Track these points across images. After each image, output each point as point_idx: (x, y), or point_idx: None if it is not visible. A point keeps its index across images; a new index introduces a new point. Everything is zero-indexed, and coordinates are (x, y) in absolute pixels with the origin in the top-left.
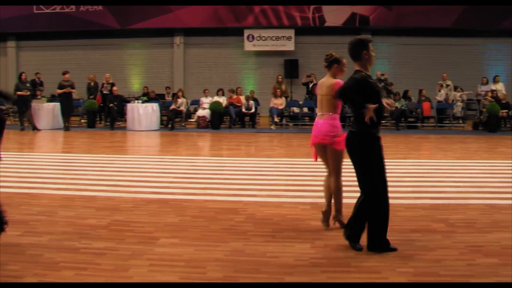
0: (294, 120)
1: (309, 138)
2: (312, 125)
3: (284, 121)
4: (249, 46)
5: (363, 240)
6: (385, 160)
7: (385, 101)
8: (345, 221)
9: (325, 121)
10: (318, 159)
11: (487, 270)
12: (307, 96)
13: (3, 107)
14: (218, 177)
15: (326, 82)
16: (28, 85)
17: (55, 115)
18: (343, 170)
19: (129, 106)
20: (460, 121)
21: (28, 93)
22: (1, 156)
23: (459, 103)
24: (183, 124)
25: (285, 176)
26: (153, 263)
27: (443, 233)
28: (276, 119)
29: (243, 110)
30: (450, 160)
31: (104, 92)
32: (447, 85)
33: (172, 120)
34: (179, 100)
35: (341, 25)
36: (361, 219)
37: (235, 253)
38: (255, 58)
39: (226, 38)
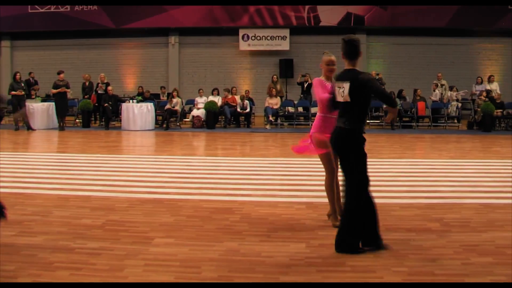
0: (289, 119)
1: (305, 137)
2: (307, 124)
3: (279, 121)
4: (244, 45)
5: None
6: (380, 160)
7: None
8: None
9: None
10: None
11: (482, 269)
12: (302, 95)
13: None
14: (213, 177)
15: None
16: (22, 84)
17: (49, 115)
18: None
19: (124, 105)
20: (455, 121)
21: (23, 93)
22: None
23: (454, 103)
24: (178, 123)
25: (280, 176)
26: (148, 263)
27: (438, 232)
28: (271, 119)
29: (238, 109)
30: (445, 160)
31: (99, 91)
32: (442, 85)
33: (167, 119)
34: (174, 100)
35: (336, 25)
36: (359, 221)
37: (230, 253)
38: (250, 57)
39: (221, 37)
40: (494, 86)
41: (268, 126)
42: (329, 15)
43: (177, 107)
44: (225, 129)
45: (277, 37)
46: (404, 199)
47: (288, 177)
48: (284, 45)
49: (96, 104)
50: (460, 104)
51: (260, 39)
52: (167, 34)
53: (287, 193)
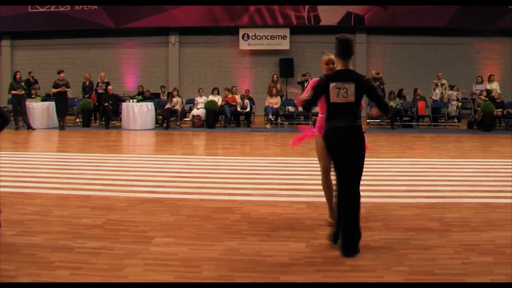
0: (289, 119)
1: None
2: (307, 124)
3: (279, 120)
4: (244, 45)
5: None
6: (380, 159)
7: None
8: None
9: None
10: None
11: (482, 269)
12: None
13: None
14: (213, 176)
15: None
16: (22, 84)
17: (50, 114)
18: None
19: (124, 105)
20: (455, 120)
21: (23, 92)
22: None
23: (454, 102)
24: (178, 123)
25: (280, 175)
26: (148, 263)
27: (438, 232)
28: (271, 118)
29: (238, 109)
30: (445, 159)
31: (99, 91)
32: (442, 84)
33: (167, 119)
34: (174, 99)
35: (336, 24)
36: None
37: (230, 252)
38: (250, 57)
39: (221, 37)
40: (494, 86)
41: (268, 126)
42: (329, 15)
43: (177, 107)
44: (225, 129)
45: (277, 37)
46: (404, 199)
47: (288, 176)
48: (284, 45)
49: (96, 104)
50: (460, 104)
51: (260, 39)
52: (167, 34)
53: (287, 193)
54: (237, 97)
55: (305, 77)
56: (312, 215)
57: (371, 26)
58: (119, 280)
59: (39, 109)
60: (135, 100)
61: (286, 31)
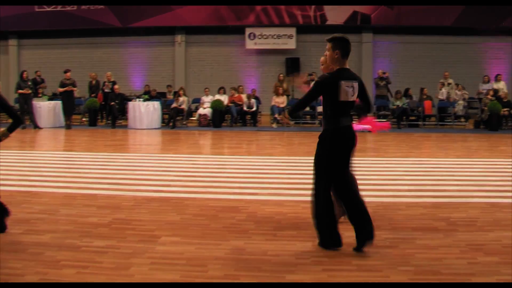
0: (295, 118)
1: (310, 136)
2: (313, 123)
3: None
4: (250, 44)
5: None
6: (386, 159)
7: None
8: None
9: None
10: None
11: (488, 269)
12: None
13: None
14: (219, 176)
15: None
16: (29, 83)
17: (56, 114)
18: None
19: (131, 104)
20: (462, 120)
21: (30, 91)
22: None
23: (460, 102)
24: (184, 122)
25: (286, 175)
26: (154, 262)
27: (444, 231)
28: (277, 117)
29: (245, 108)
30: (451, 159)
31: (106, 90)
32: (449, 84)
33: (174, 118)
34: (181, 99)
35: (343, 24)
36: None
37: (236, 252)
38: (257, 56)
39: (227, 36)
40: (501, 85)
41: (274, 125)
42: (336, 14)
43: (184, 106)
44: (231, 128)
45: (283, 36)
46: (410, 198)
47: (294, 175)
48: (291, 44)
49: (103, 103)
50: (466, 103)
51: (266, 38)
52: (173, 33)
53: (293, 192)
54: (243, 96)
55: (311, 76)
56: None
57: (377, 25)
58: (125, 279)
59: (46, 108)
60: (141, 99)
61: (292, 30)
